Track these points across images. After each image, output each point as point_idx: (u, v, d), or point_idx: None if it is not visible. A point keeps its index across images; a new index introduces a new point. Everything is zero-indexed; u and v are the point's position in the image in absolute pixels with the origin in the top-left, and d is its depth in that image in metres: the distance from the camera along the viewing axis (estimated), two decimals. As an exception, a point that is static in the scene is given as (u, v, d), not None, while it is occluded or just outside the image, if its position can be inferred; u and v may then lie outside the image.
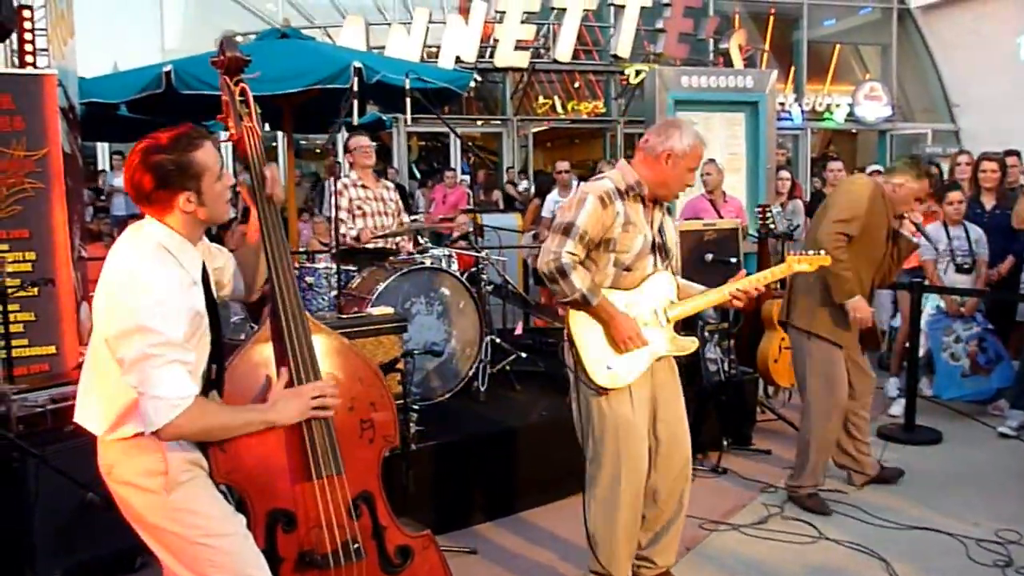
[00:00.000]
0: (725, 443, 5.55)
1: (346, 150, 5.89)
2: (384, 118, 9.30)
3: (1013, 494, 4.66)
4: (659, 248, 3.53)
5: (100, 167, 15.23)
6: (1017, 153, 7.41)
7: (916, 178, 4.46)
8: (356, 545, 2.64)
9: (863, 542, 4.23)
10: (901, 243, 4.61)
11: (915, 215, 4.55)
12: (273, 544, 2.57)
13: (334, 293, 5.13)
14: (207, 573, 2.42)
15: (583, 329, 3.41)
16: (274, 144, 15.25)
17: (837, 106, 18.39)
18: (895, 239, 4.59)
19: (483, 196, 12.62)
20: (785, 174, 8.41)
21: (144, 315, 2.24)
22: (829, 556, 4.14)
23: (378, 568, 2.73)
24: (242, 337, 5.43)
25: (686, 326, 3.65)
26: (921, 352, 6.06)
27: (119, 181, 13.23)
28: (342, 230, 5.63)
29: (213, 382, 2.52)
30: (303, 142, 15.98)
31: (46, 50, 4.87)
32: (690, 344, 3.60)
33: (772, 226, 6.34)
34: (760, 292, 3.62)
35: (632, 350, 3.41)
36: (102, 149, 15.67)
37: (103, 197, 13.60)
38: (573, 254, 3.34)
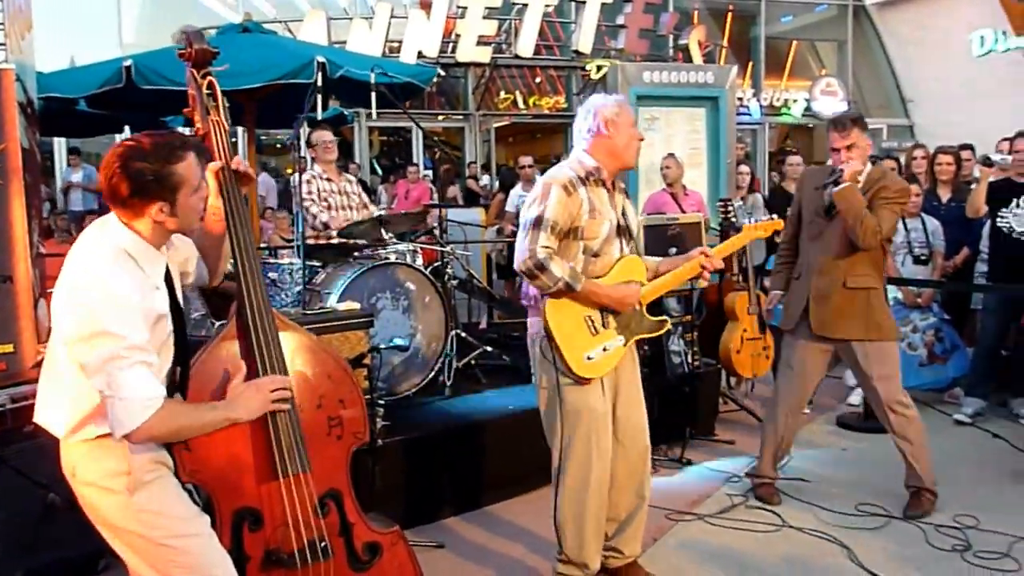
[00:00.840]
0: (689, 434, 5.60)
1: (309, 145, 5.88)
2: (346, 113, 9.25)
3: (970, 480, 4.76)
4: (624, 231, 3.57)
5: (57, 163, 15.01)
6: (971, 147, 7.56)
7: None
8: (324, 543, 2.64)
9: (825, 530, 4.30)
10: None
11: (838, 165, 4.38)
12: (239, 543, 2.56)
13: (298, 288, 5.10)
14: (171, 574, 2.41)
15: (560, 322, 3.42)
16: (234, 139, 15.13)
17: (794, 101, 18.59)
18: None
19: (445, 192, 12.57)
20: (745, 168, 8.49)
21: (106, 319, 2.22)
22: (793, 544, 4.20)
23: (346, 565, 2.72)
24: (203, 333, 5.38)
25: (654, 311, 3.68)
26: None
27: (77, 177, 13.07)
28: (313, 210, 5.62)
29: (177, 385, 2.51)
30: (263, 137, 15.83)
31: (4, 44, 4.77)
32: (662, 324, 3.66)
33: (733, 220, 6.41)
34: (723, 269, 3.69)
35: (632, 309, 3.52)
36: (58, 144, 15.42)
37: (62, 192, 13.40)
38: (547, 247, 3.35)
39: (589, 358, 3.43)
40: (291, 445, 2.58)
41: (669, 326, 3.72)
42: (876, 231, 4.22)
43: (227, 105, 2.72)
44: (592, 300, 3.45)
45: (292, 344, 2.68)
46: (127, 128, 10.13)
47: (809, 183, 4.64)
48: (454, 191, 13.04)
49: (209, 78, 2.68)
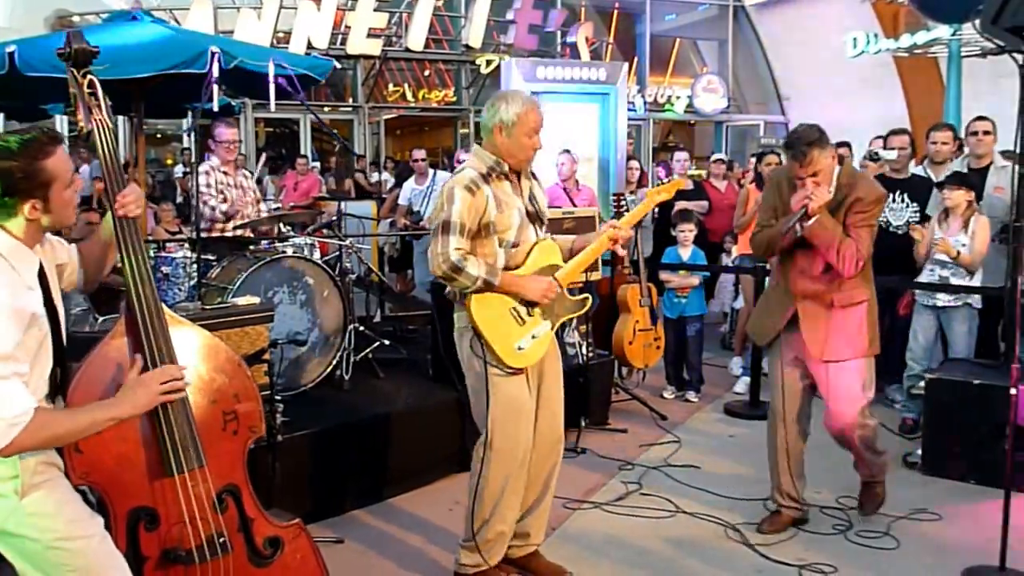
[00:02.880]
0: (583, 424, 5.73)
1: (209, 138, 5.76)
2: (233, 104, 9.05)
3: (850, 463, 4.98)
4: (534, 216, 3.63)
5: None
6: (848, 144, 7.90)
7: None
8: (222, 539, 2.62)
9: (717, 514, 4.47)
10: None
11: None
12: (135, 543, 2.53)
13: (192, 283, 5.00)
14: None
15: (486, 317, 3.46)
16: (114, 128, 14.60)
17: (677, 98, 19.05)
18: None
19: (335, 185, 12.45)
20: (635, 163, 8.70)
21: None
22: (686, 528, 4.36)
23: (247, 561, 2.72)
24: (87, 329, 5.22)
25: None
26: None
27: None
28: (212, 203, 5.52)
29: (58, 386, 2.45)
30: (143, 127, 15.35)
31: None
32: (584, 302, 3.75)
33: (626, 213, 6.55)
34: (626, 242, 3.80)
35: (549, 309, 3.55)
36: (-75, 131, 14.68)
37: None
38: (459, 248, 3.38)
39: (520, 348, 3.49)
40: (185, 441, 2.55)
41: (589, 303, 3.77)
42: (857, 258, 3.83)
43: (110, 103, 2.68)
44: (512, 293, 3.49)
45: (183, 340, 2.66)
46: (1, 116, 9.68)
47: (786, 186, 4.09)
48: (349, 184, 12.92)
49: (90, 76, 2.63)
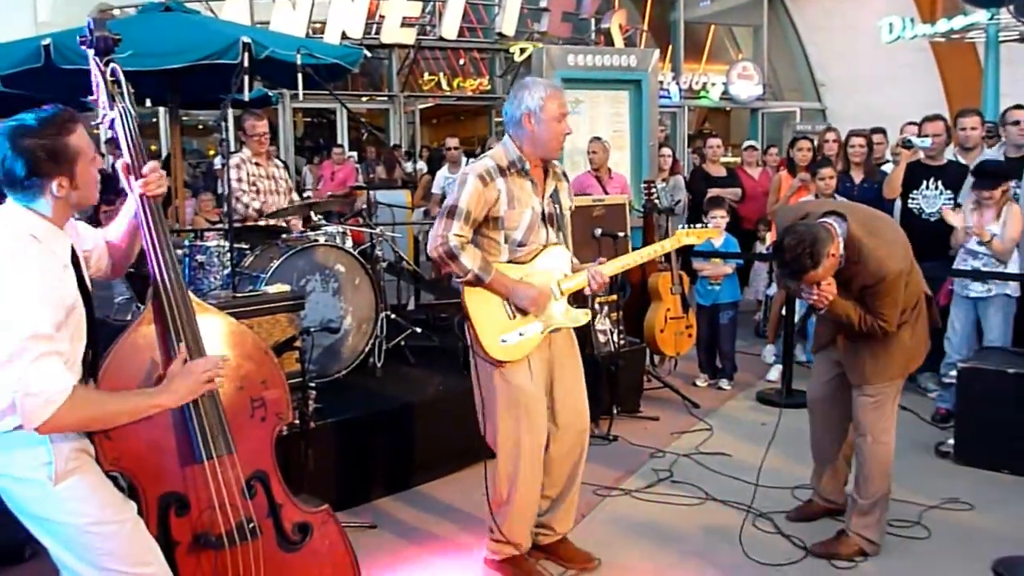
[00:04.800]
0: (615, 411, 5.73)
1: (240, 130, 5.82)
2: (270, 94, 9.12)
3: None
4: (550, 218, 3.60)
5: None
6: (883, 131, 7.82)
7: None
8: (252, 524, 2.64)
9: (747, 502, 4.41)
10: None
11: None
12: (166, 528, 2.55)
13: (227, 271, 5.06)
14: (100, 562, 2.39)
15: (478, 305, 3.48)
16: (154, 120, 14.74)
17: (712, 85, 18.87)
18: None
19: (385, 175, 12.49)
20: (667, 151, 8.66)
21: (11, 310, 2.19)
22: (716, 516, 4.35)
23: (276, 546, 2.74)
24: (128, 318, 5.31)
25: (578, 300, 3.74)
26: (796, 319, 6.34)
27: None
28: (245, 200, 5.57)
29: (90, 367, 2.47)
30: (185, 118, 15.51)
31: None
32: (583, 316, 3.70)
33: (656, 201, 6.55)
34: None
35: (539, 314, 3.52)
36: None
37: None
38: (460, 235, 3.39)
39: (504, 341, 3.47)
40: (214, 427, 2.58)
41: (587, 319, 3.72)
42: (886, 324, 3.66)
43: (132, 91, 2.69)
44: (502, 295, 3.48)
45: (210, 327, 2.67)
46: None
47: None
48: (399, 173, 12.97)
49: (112, 64, 2.65)
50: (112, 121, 2.64)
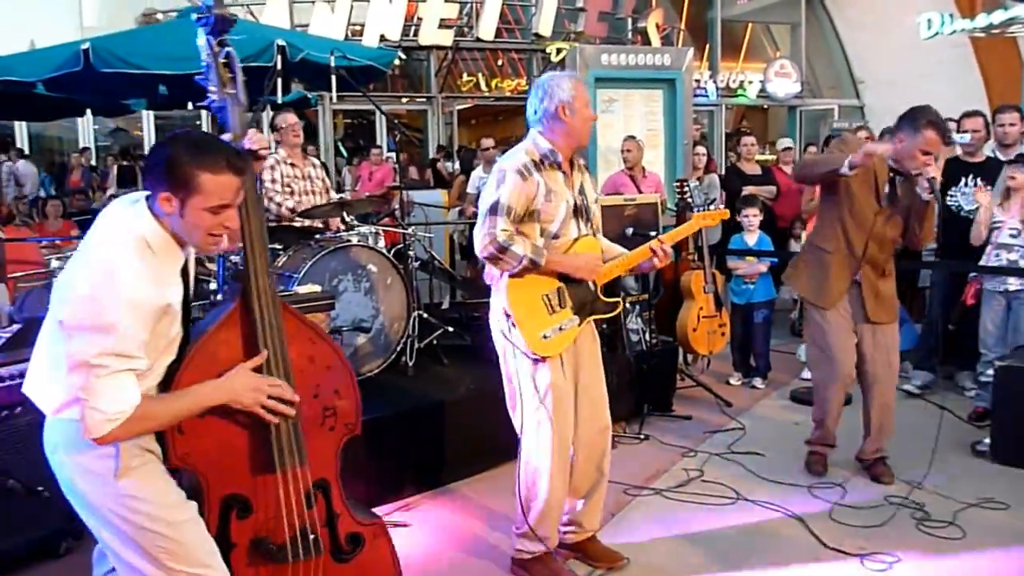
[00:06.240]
0: (647, 410, 5.72)
1: (273, 128, 5.87)
2: (309, 96, 9.21)
3: (918, 449, 4.89)
4: (580, 210, 3.62)
5: (18, 146, 14.83)
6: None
7: (913, 131, 4.26)
8: (313, 536, 2.61)
9: (779, 502, 4.43)
10: (915, 203, 4.36)
11: (928, 171, 4.20)
12: (226, 529, 2.53)
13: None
14: (159, 558, 2.38)
15: (520, 300, 3.49)
16: (198, 122, 14.96)
17: (750, 83, 18.78)
18: (893, 199, 4.46)
19: (418, 175, 12.59)
20: (701, 149, 8.61)
21: (106, 313, 2.15)
22: (747, 516, 4.32)
23: (328, 555, 2.70)
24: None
25: (609, 294, 3.76)
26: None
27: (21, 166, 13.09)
28: (277, 200, 5.64)
29: (164, 379, 2.44)
30: (223, 119, 15.74)
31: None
32: (616, 305, 3.72)
33: (689, 200, 6.52)
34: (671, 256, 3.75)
35: (598, 278, 3.60)
36: (20, 128, 15.32)
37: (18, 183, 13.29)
38: (506, 230, 3.40)
39: (545, 336, 3.48)
40: (291, 438, 2.55)
41: (622, 307, 3.77)
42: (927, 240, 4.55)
43: (245, 79, 2.62)
44: (556, 271, 3.51)
45: (293, 331, 2.62)
46: (88, 112, 10.00)
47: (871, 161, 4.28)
48: (427, 173, 13.07)
49: (228, 48, 2.56)
50: (221, 108, 2.57)
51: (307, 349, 2.68)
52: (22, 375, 3.54)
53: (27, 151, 15.06)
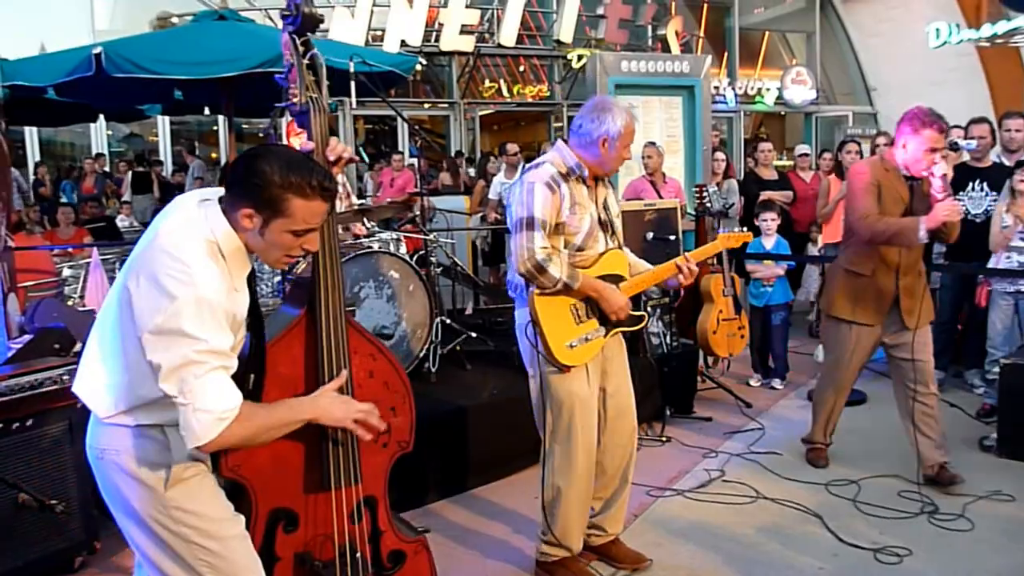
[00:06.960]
0: (668, 413, 5.77)
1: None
2: (328, 102, 9.27)
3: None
4: (605, 224, 3.64)
5: (29, 152, 14.88)
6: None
7: (913, 134, 4.31)
8: (358, 553, 2.58)
9: (798, 500, 4.47)
10: (934, 204, 4.28)
11: (939, 167, 4.23)
12: (271, 542, 2.50)
13: (278, 279, 5.10)
14: (200, 572, 2.31)
15: (547, 309, 3.50)
16: (215, 128, 15.05)
17: (767, 90, 18.84)
18: (914, 202, 4.44)
19: (450, 181, 12.62)
20: (720, 155, 8.65)
21: (189, 317, 2.06)
22: (767, 514, 4.37)
23: (372, 572, 2.68)
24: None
25: (633, 306, 3.79)
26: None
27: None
28: None
29: (250, 392, 2.33)
30: (245, 126, 15.81)
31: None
32: (640, 319, 3.74)
33: (708, 205, 6.56)
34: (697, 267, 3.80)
35: (623, 318, 3.60)
36: (30, 133, 15.26)
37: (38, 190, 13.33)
38: (545, 247, 3.41)
39: (571, 346, 3.51)
40: (347, 458, 2.51)
41: (646, 322, 3.79)
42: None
43: (328, 83, 2.54)
44: (589, 295, 3.53)
45: (354, 345, 2.58)
46: (100, 117, 9.94)
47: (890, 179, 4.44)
48: (447, 178, 13.14)
49: (313, 51, 2.46)
50: (303, 113, 2.47)
51: (367, 364, 2.63)
52: (34, 387, 3.63)
53: (38, 157, 14.97)
